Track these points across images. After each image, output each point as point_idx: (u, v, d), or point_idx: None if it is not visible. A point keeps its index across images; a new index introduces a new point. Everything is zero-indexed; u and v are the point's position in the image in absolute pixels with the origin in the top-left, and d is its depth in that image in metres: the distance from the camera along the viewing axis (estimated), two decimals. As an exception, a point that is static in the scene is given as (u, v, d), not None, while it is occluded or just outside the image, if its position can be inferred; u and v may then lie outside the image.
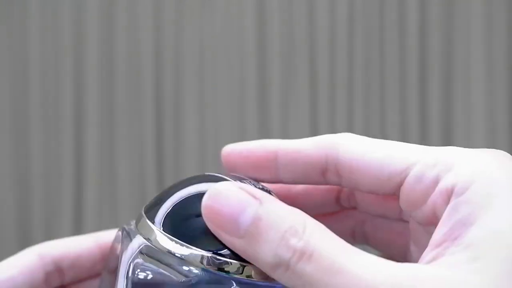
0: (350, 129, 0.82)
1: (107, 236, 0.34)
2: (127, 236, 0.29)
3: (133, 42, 0.82)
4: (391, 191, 0.29)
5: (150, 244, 0.28)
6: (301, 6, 0.82)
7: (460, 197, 0.25)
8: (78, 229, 0.83)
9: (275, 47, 0.82)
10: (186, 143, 0.85)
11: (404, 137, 0.87)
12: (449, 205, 0.25)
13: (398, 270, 0.23)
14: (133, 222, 0.30)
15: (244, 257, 0.25)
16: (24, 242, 0.84)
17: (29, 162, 0.83)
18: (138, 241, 0.28)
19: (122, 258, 0.28)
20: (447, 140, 0.89)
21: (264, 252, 0.24)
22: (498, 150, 0.28)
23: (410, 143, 0.30)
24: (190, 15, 0.82)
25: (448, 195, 0.26)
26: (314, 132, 0.90)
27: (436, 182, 0.26)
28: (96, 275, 0.36)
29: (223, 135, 0.92)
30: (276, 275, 0.24)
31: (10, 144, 0.82)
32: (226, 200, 0.25)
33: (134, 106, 0.83)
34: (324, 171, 0.30)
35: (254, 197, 0.25)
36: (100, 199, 0.84)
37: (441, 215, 0.26)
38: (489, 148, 0.28)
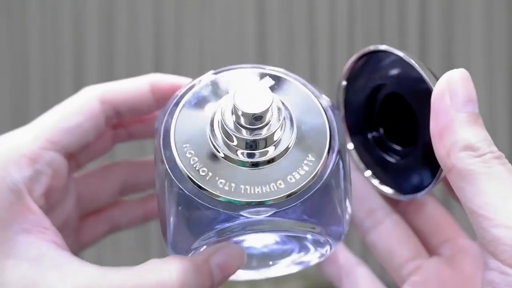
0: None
1: (161, 80, 0.36)
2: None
3: (133, 42, 0.82)
4: None
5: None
6: (301, 6, 0.82)
7: None
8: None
9: (275, 47, 0.82)
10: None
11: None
12: None
13: None
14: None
15: (439, 128, 0.29)
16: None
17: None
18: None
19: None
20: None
21: (474, 133, 0.28)
22: None
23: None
24: (190, 15, 0.82)
25: None
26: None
27: None
28: (148, 119, 0.38)
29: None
30: (462, 154, 0.28)
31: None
32: (468, 81, 0.29)
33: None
34: None
35: None
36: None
37: None
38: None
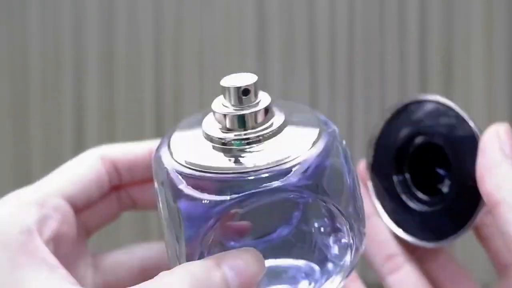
0: (350, 129, 0.82)
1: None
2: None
3: (133, 42, 0.82)
4: None
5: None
6: (301, 6, 0.82)
7: None
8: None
9: (275, 47, 0.82)
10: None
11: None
12: None
13: None
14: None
15: (489, 163, 0.31)
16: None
17: (29, 162, 0.83)
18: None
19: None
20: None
21: None
22: None
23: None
24: (190, 15, 0.82)
25: None
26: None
27: None
28: (148, 180, 0.38)
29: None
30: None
31: (10, 144, 0.82)
32: None
33: (134, 107, 0.83)
34: None
35: None
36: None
37: None
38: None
